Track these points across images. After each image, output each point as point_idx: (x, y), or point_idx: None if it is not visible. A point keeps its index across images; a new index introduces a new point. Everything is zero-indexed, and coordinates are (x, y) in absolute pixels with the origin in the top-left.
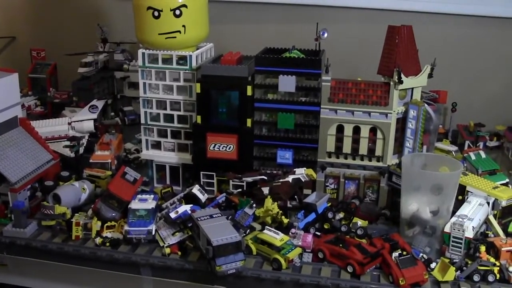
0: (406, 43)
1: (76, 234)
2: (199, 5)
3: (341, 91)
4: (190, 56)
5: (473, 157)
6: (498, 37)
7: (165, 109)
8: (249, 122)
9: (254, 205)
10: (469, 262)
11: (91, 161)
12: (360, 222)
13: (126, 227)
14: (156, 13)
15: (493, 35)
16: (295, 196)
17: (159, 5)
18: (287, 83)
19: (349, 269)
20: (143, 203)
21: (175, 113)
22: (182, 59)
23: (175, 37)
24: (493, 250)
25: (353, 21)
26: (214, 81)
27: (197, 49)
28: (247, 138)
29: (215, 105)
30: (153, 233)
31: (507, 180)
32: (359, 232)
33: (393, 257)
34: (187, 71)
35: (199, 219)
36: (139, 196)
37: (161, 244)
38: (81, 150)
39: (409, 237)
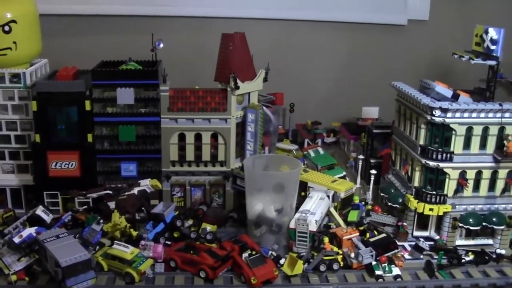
0: (240, 49)
1: None
2: (29, 20)
3: (180, 100)
4: (24, 73)
5: (312, 154)
6: (329, 41)
7: (1, 129)
8: (90, 137)
9: (102, 220)
10: (315, 254)
11: None
12: (209, 227)
13: None
14: None
15: (324, 39)
16: (142, 208)
17: None
18: (125, 96)
19: (202, 274)
20: None
21: (12, 133)
22: (16, 77)
23: (5, 54)
24: (336, 240)
25: (187, 30)
26: (51, 98)
27: (31, 65)
28: (89, 153)
29: (54, 122)
30: None
31: (344, 173)
32: (208, 237)
33: (243, 258)
34: (21, 89)
35: (45, 241)
36: None
37: (6, 271)
38: None
39: (257, 237)
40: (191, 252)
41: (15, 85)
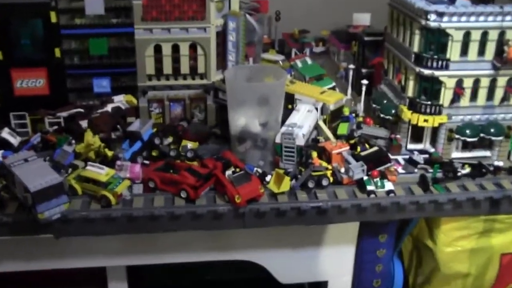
0: None
1: None
2: None
3: (154, 9)
4: None
5: (299, 65)
6: None
7: None
8: (57, 52)
9: (73, 141)
10: (303, 169)
11: None
12: (190, 144)
13: None
14: None
15: None
16: (117, 126)
17: None
18: (94, 5)
19: (183, 194)
20: None
21: None
22: None
23: None
24: (325, 154)
25: None
26: (12, 10)
27: None
28: (58, 69)
29: (17, 37)
30: None
31: (334, 84)
32: (189, 154)
33: (226, 176)
34: None
35: (12, 165)
36: None
37: None
38: None
39: (242, 153)
40: (171, 171)
41: None
